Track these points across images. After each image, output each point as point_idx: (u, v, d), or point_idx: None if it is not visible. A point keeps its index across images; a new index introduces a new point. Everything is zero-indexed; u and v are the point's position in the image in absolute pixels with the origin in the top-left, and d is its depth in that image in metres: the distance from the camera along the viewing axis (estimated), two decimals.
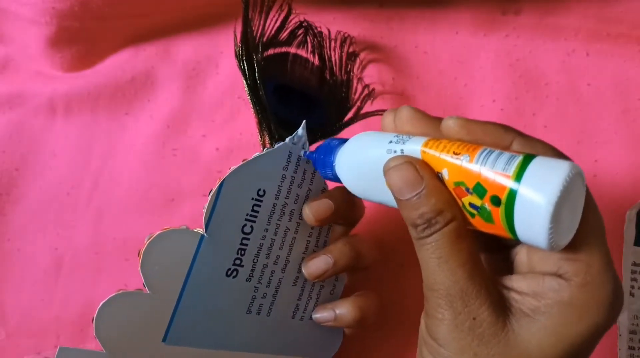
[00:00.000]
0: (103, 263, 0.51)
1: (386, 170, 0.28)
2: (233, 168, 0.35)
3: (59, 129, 0.54)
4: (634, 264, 0.45)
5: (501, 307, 0.26)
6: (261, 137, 0.41)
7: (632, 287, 0.45)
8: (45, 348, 0.51)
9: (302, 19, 0.45)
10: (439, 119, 0.29)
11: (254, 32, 0.41)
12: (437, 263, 0.26)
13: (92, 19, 0.51)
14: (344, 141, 0.35)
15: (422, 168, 0.27)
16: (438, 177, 0.27)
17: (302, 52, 0.46)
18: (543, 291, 0.25)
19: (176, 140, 0.53)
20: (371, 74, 0.52)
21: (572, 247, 0.25)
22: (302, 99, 0.44)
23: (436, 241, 0.26)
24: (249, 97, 0.41)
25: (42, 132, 0.54)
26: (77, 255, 0.52)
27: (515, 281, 0.27)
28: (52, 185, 0.53)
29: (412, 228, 0.27)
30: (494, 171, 0.25)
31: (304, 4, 0.53)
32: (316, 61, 0.45)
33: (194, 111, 0.53)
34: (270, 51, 0.43)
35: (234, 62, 0.53)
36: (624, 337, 0.44)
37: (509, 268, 0.29)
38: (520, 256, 0.29)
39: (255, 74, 0.40)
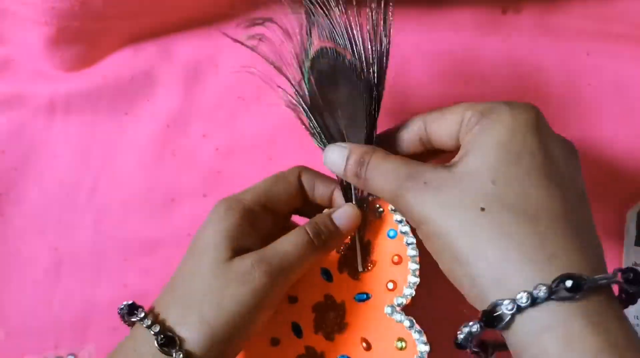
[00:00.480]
0: (103, 263, 0.51)
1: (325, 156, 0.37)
2: None
3: (59, 129, 0.54)
4: (635, 264, 0.45)
5: (442, 167, 0.31)
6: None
7: None
8: (45, 348, 0.51)
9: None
10: None
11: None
12: (382, 177, 0.33)
13: (92, 18, 0.50)
14: None
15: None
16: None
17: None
18: (463, 144, 0.32)
19: (176, 140, 0.53)
20: None
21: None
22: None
23: (372, 168, 0.34)
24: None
25: (42, 133, 0.54)
26: (77, 255, 0.52)
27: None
28: (52, 185, 0.53)
29: (354, 178, 0.35)
30: None
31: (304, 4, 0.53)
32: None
33: (194, 111, 0.53)
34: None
35: (234, 62, 0.54)
36: None
37: None
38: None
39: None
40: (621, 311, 0.27)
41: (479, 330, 0.28)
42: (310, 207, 0.41)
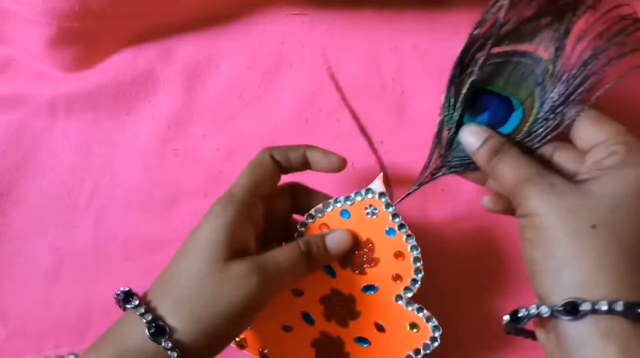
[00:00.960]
0: (103, 263, 0.52)
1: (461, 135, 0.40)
2: None
3: (60, 130, 0.54)
4: None
5: (571, 178, 0.35)
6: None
7: None
8: (45, 348, 0.51)
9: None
10: None
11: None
12: (513, 168, 0.36)
13: (92, 19, 0.50)
14: None
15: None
16: None
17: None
18: (599, 165, 0.35)
19: (177, 140, 0.53)
20: (371, 75, 0.52)
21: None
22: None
23: (506, 158, 0.37)
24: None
25: (43, 133, 0.54)
26: (77, 255, 0.52)
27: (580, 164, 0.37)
28: (52, 185, 0.53)
29: (486, 163, 0.38)
30: None
31: (305, 4, 0.53)
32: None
33: (194, 112, 0.53)
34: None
35: (234, 62, 0.54)
36: None
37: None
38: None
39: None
40: None
41: (548, 313, 0.32)
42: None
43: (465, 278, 0.49)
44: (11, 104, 0.53)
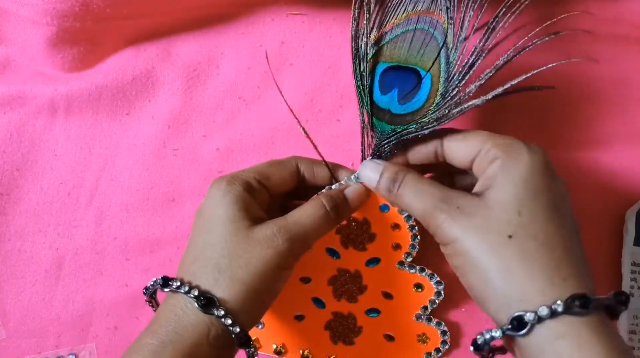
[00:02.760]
0: (104, 263, 0.52)
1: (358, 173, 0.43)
2: None
3: (60, 130, 0.54)
4: (634, 264, 0.45)
5: (471, 195, 0.36)
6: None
7: (632, 287, 0.45)
8: (45, 348, 0.51)
9: None
10: None
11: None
12: (416, 197, 0.37)
13: (92, 19, 0.50)
14: None
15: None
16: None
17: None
18: (487, 174, 0.36)
19: (177, 140, 0.53)
20: None
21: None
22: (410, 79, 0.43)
23: (406, 187, 0.38)
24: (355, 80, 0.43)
25: (43, 133, 0.54)
26: (77, 255, 0.52)
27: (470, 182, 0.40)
28: (53, 185, 0.53)
29: (386, 193, 0.39)
30: None
31: (305, 4, 0.53)
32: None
33: (194, 112, 0.53)
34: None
35: (234, 62, 0.54)
36: (623, 337, 0.44)
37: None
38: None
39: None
40: (613, 324, 0.33)
41: (500, 335, 0.32)
42: (303, 190, 0.45)
43: None
44: (11, 104, 0.53)
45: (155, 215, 0.52)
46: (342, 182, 0.44)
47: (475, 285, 0.34)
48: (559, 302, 0.31)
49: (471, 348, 0.34)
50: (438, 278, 0.46)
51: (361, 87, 0.43)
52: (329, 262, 0.47)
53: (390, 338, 0.48)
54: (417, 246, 0.46)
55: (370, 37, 0.43)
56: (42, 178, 0.53)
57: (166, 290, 0.37)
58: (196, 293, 0.36)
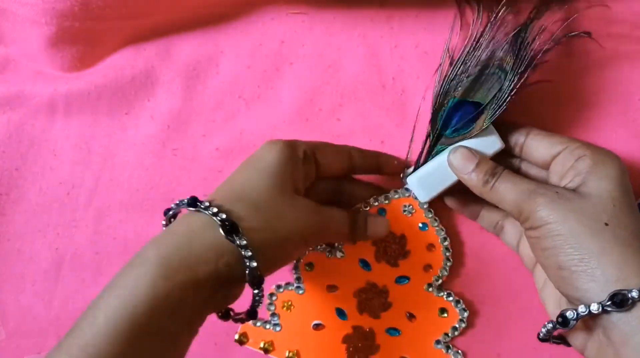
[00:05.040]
0: (103, 263, 0.52)
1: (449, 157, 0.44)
2: None
3: (60, 129, 0.54)
4: None
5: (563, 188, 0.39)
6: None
7: None
8: (45, 348, 0.51)
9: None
10: None
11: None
12: (513, 187, 0.40)
13: (92, 19, 0.50)
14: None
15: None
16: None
17: None
18: (578, 170, 0.39)
19: (176, 140, 0.53)
20: (371, 74, 0.52)
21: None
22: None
23: (504, 180, 0.40)
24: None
25: (42, 133, 0.54)
26: (77, 255, 0.52)
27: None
28: (52, 185, 0.53)
29: (482, 185, 0.41)
30: None
31: (305, 3, 0.53)
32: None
33: (194, 111, 0.53)
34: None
35: (234, 62, 0.54)
36: None
37: None
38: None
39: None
40: None
41: (598, 309, 0.33)
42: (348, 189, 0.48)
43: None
44: (10, 103, 0.53)
45: (154, 215, 0.52)
46: (392, 195, 0.47)
47: (566, 265, 0.36)
48: None
49: (549, 324, 0.36)
50: (464, 306, 0.47)
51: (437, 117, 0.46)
52: (359, 273, 0.48)
53: None
54: (448, 271, 0.47)
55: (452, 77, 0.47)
56: (42, 177, 0.53)
57: (191, 209, 0.37)
58: (223, 216, 0.35)
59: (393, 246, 0.47)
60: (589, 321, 0.35)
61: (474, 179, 0.42)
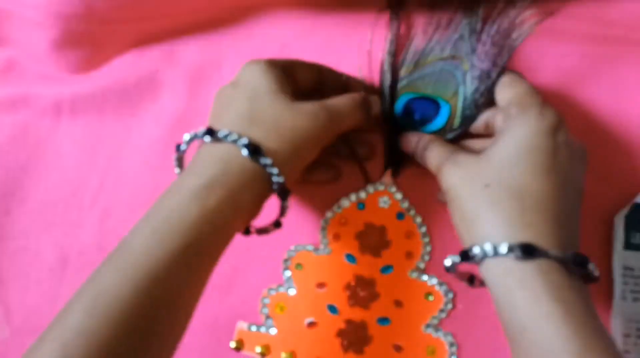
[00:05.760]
0: None
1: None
2: None
3: (65, 131, 0.54)
4: (625, 268, 0.46)
5: (473, 154, 0.41)
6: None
7: (624, 291, 0.46)
8: None
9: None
10: None
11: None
12: (432, 155, 0.44)
13: (97, 22, 0.51)
14: None
15: None
16: None
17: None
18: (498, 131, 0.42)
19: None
20: (372, 78, 0.53)
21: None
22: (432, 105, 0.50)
23: (430, 149, 0.44)
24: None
25: (48, 134, 0.54)
26: (82, 254, 0.52)
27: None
28: (57, 185, 0.53)
29: (419, 157, 0.46)
30: None
31: (306, 7, 0.54)
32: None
33: (198, 113, 0.54)
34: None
35: (237, 65, 0.54)
36: (617, 340, 0.45)
37: None
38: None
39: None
40: (584, 288, 0.36)
41: (456, 260, 0.38)
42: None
43: None
44: (16, 105, 0.54)
45: None
46: (368, 189, 0.50)
47: (458, 224, 0.39)
48: (504, 244, 0.35)
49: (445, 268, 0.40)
50: (447, 287, 0.48)
51: (387, 112, 0.50)
52: (346, 268, 0.49)
53: (399, 348, 0.48)
54: (429, 256, 0.49)
55: (401, 71, 0.51)
56: (47, 178, 0.53)
57: (207, 139, 0.38)
58: (246, 141, 0.37)
59: (374, 238, 0.49)
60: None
61: (416, 155, 0.46)
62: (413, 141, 0.47)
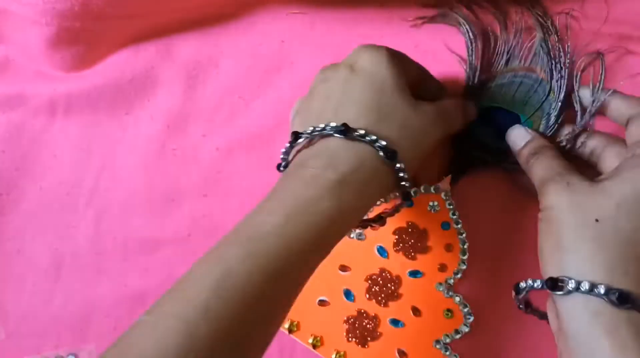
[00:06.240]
0: (103, 263, 0.52)
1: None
2: None
3: (59, 130, 0.54)
4: None
5: (587, 179, 0.38)
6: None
7: None
8: (45, 348, 0.51)
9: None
10: None
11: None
12: (541, 168, 0.41)
13: (92, 19, 0.50)
14: None
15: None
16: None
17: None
18: (618, 165, 0.39)
19: (176, 140, 0.53)
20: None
21: None
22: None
23: (541, 160, 0.41)
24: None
25: (42, 133, 0.54)
26: (77, 255, 0.52)
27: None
28: (52, 185, 0.53)
29: (525, 162, 0.43)
30: None
31: (306, 2, 0.53)
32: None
33: (194, 111, 0.53)
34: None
35: (234, 62, 0.54)
36: None
37: None
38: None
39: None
40: None
41: (539, 285, 0.36)
42: None
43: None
44: (10, 104, 0.53)
45: (154, 215, 0.52)
46: (420, 190, 0.48)
47: (547, 250, 0.37)
48: (602, 285, 0.33)
49: (514, 289, 0.38)
50: (469, 310, 0.47)
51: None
52: (374, 259, 0.49)
53: (403, 354, 0.47)
54: (462, 275, 0.48)
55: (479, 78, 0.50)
56: (42, 178, 0.53)
57: (337, 135, 0.37)
58: (383, 144, 0.37)
59: (413, 239, 0.48)
60: (551, 302, 0.37)
61: (521, 156, 0.44)
62: (523, 138, 0.45)
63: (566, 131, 0.46)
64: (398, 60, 0.41)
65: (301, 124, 0.40)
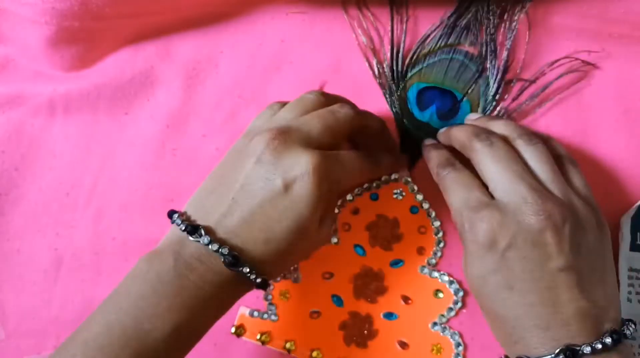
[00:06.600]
0: (103, 263, 0.52)
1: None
2: None
3: (59, 129, 0.53)
4: (631, 269, 0.45)
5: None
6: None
7: (630, 293, 0.45)
8: (45, 348, 0.51)
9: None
10: None
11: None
12: (452, 192, 0.41)
13: (92, 18, 0.50)
14: None
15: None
16: None
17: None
18: None
19: (176, 140, 0.53)
20: (371, 74, 0.52)
21: None
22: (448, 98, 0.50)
23: (449, 179, 0.41)
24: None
25: (41, 133, 0.53)
26: (76, 255, 0.52)
27: None
28: (52, 185, 0.53)
29: (435, 176, 0.43)
30: None
31: (306, 2, 0.53)
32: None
33: (193, 111, 0.53)
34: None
35: (234, 61, 0.54)
36: None
37: None
38: None
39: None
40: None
41: (589, 351, 0.35)
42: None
43: None
44: (10, 103, 0.53)
45: (154, 215, 0.52)
46: (383, 181, 0.50)
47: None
48: (608, 337, 0.35)
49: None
50: (458, 286, 0.48)
51: (399, 101, 0.50)
52: (354, 259, 0.49)
53: (404, 345, 0.48)
54: (441, 253, 0.48)
55: (407, 59, 0.51)
56: (41, 178, 0.53)
57: (191, 238, 0.38)
58: (226, 251, 0.37)
59: (386, 230, 0.49)
60: None
61: (433, 171, 0.44)
62: (432, 156, 0.45)
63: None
64: (325, 174, 0.38)
65: (196, 210, 0.41)
